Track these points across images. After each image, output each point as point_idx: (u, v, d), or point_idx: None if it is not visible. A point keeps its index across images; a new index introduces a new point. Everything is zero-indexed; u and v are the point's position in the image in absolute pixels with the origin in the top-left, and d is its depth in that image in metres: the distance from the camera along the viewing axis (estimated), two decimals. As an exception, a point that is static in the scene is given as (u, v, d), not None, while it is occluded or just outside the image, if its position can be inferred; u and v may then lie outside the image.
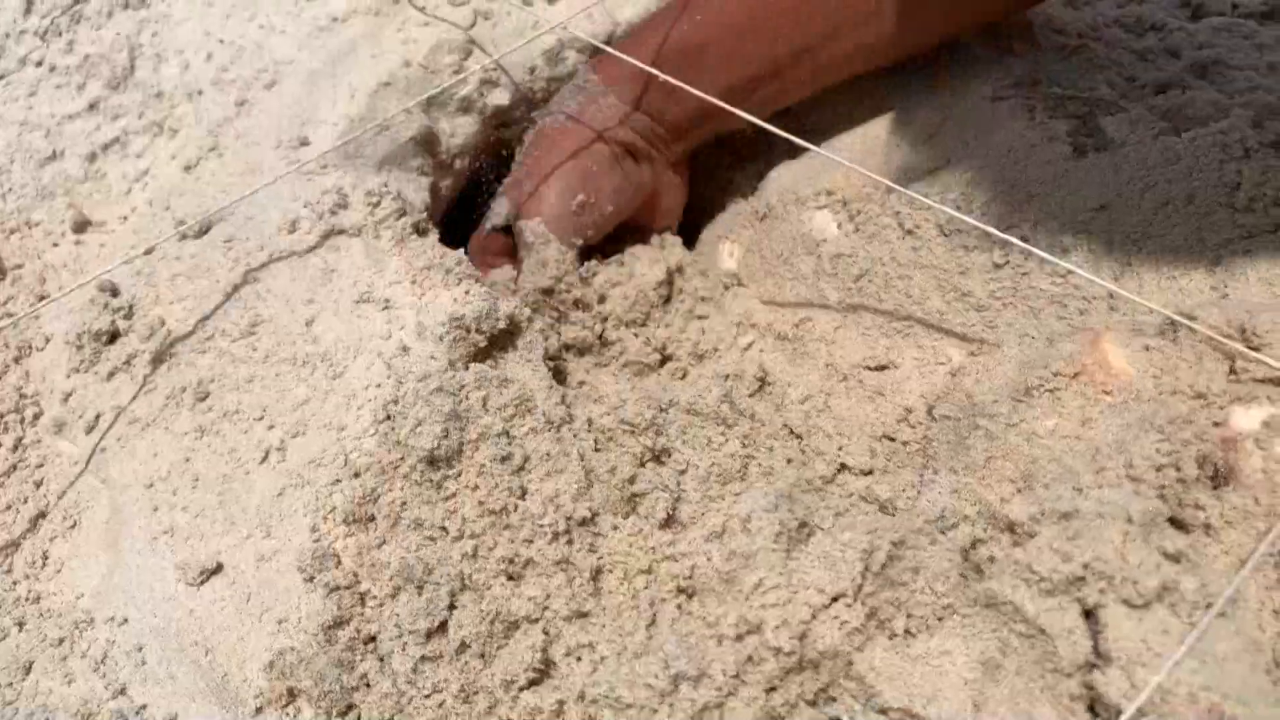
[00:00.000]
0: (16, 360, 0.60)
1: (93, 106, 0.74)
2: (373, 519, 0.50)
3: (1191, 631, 0.36)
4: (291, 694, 0.47)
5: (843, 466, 0.51)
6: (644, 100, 0.71)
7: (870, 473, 0.51)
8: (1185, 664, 0.35)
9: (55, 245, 0.70)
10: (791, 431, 0.52)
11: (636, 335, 0.62)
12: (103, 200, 0.72)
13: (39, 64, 0.75)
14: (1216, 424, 0.44)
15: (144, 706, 0.49)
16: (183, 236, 0.60)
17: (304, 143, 0.66)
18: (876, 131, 0.70)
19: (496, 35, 0.77)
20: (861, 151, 0.70)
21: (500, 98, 0.76)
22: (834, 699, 0.42)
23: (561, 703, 0.43)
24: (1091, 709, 0.38)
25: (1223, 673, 0.35)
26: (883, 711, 0.40)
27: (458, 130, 0.74)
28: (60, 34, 0.75)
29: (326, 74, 0.71)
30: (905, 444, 0.51)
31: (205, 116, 0.70)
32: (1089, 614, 0.38)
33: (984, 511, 0.45)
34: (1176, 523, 0.43)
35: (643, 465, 0.49)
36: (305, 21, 0.75)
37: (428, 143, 0.72)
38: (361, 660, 0.47)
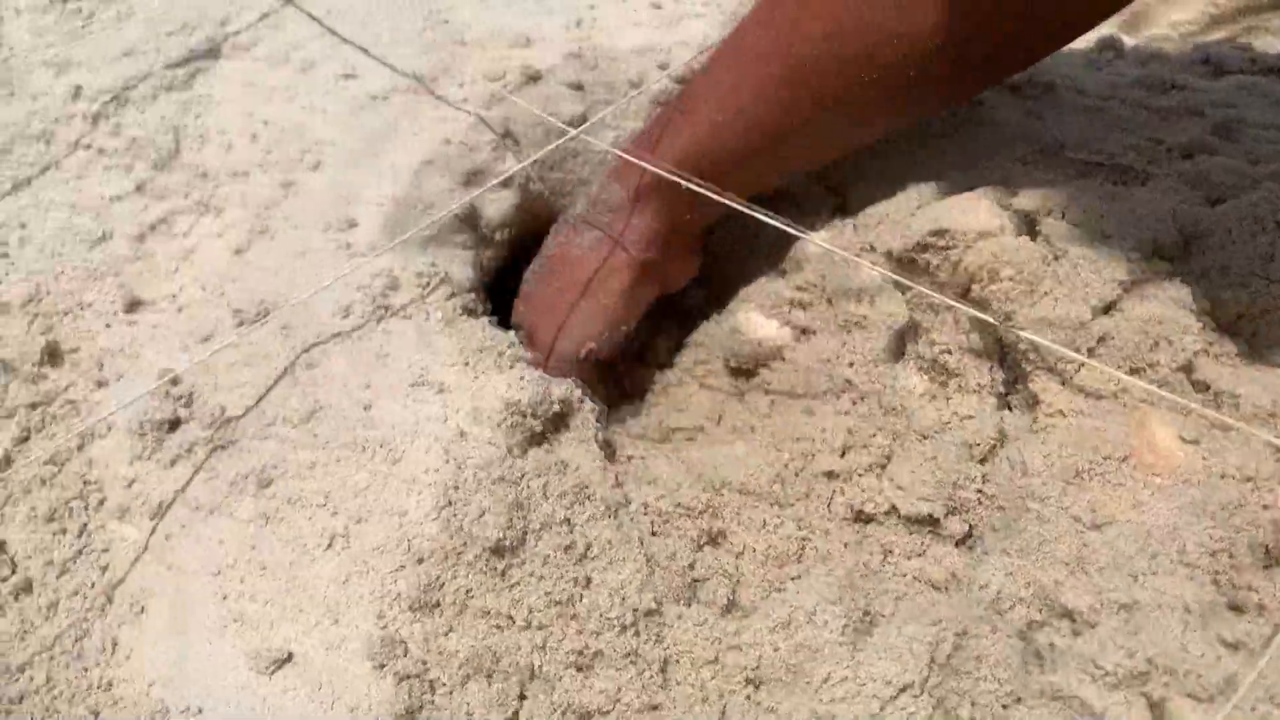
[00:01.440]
0: (79, 448, 0.62)
1: (140, 188, 0.76)
2: (438, 605, 0.51)
3: (1255, 723, 0.37)
4: (365, 782, 0.48)
5: (888, 552, 0.53)
6: (668, 207, 0.71)
7: (922, 554, 0.52)
8: (1251, 756, 0.37)
9: (108, 326, 0.71)
10: (852, 511, 0.53)
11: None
12: (151, 279, 0.74)
13: (87, 147, 0.77)
14: (1266, 506, 0.45)
15: (219, 797, 0.50)
16: (240, 323, 0.62)
17: (351, 224, 0.68)
18: (909, 195, 0.71)
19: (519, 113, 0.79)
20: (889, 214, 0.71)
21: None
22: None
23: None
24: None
25: (1287, 764, 0.36)
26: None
27: (498, 204, 0.76)
28: (107, 118, 0.77)
29: (368, 154, 0.73)
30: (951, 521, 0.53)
31: (252, 199, 0.72)
32: (1154, 706, 0.39)
33: (1038, 594, 0.46)
34: (1233, 606, 0.44)
35: (700, 549, 0.51)
36: (345, 101, 0.77)
37: (470, 218, 0.73)
38: (434, 748, 0.48)
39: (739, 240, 0.86)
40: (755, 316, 0.74)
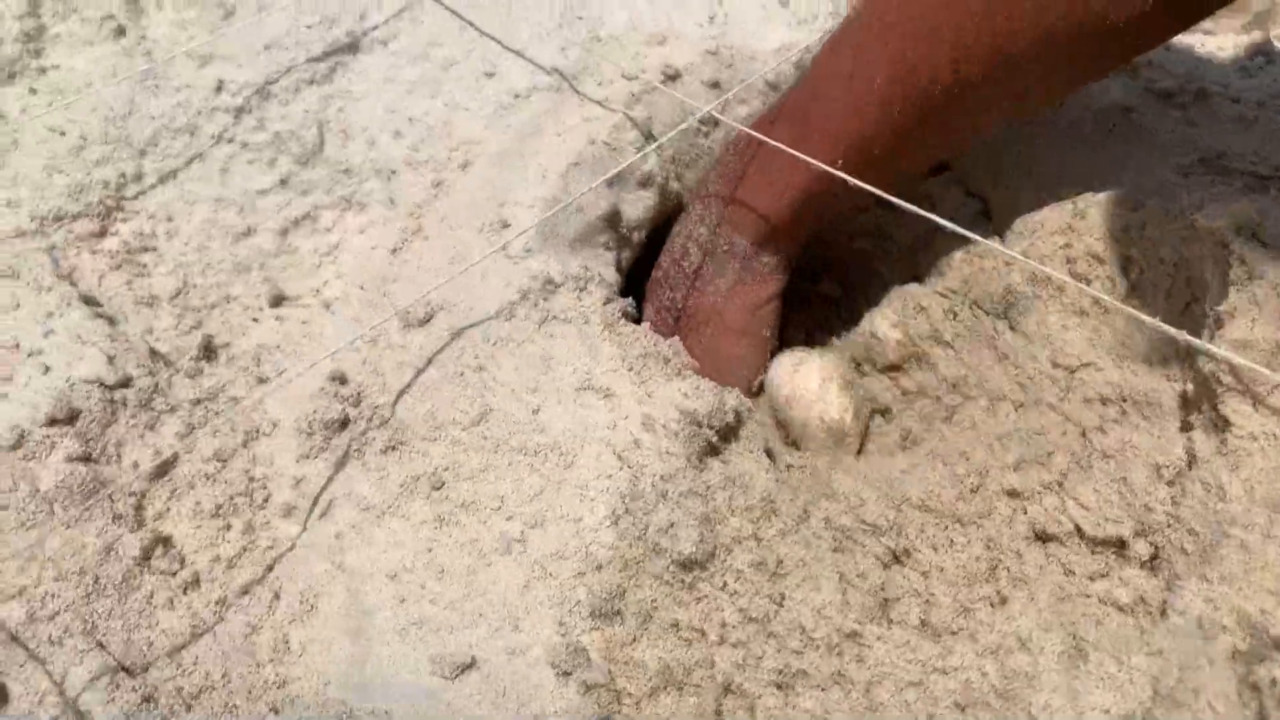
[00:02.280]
0: (244, 444, 0.63)
1: (284, 182, 0.76)
2: (619, 614, 0.51)
3: None
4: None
5: (1070, 572, 0.52)
6: (781, 237, 0.72)
7: (1106, 576, 0.51)
8: None
9: (255, 320, 0.72)
10: (1033, 530, 0.52)
11: None
12: (295, 274, 0.75)
13: (230, 140, 0.77)
14: None
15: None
16: (406, 325, 0.62)
17: (505, 225, 0.68)
18: (1063, 204, 0.70)
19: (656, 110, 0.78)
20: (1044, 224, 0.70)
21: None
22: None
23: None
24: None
25: None
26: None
27: (638, 204, 0.76)
28: (250, 111, 0.78)
29: (515, 153, 0.73)
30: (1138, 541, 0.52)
31: (403, 197, 0.72)
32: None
33: (1244, 623, 0.45)
34: None
35: (887, 568, 0.50)
36: (488, 99, 0.77)
37: (613, 219, 0.73)
38: (624, 759, 0.48)
39: (871, 240, 0.85)
40: (892, 320, 0.73)
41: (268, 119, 0.78)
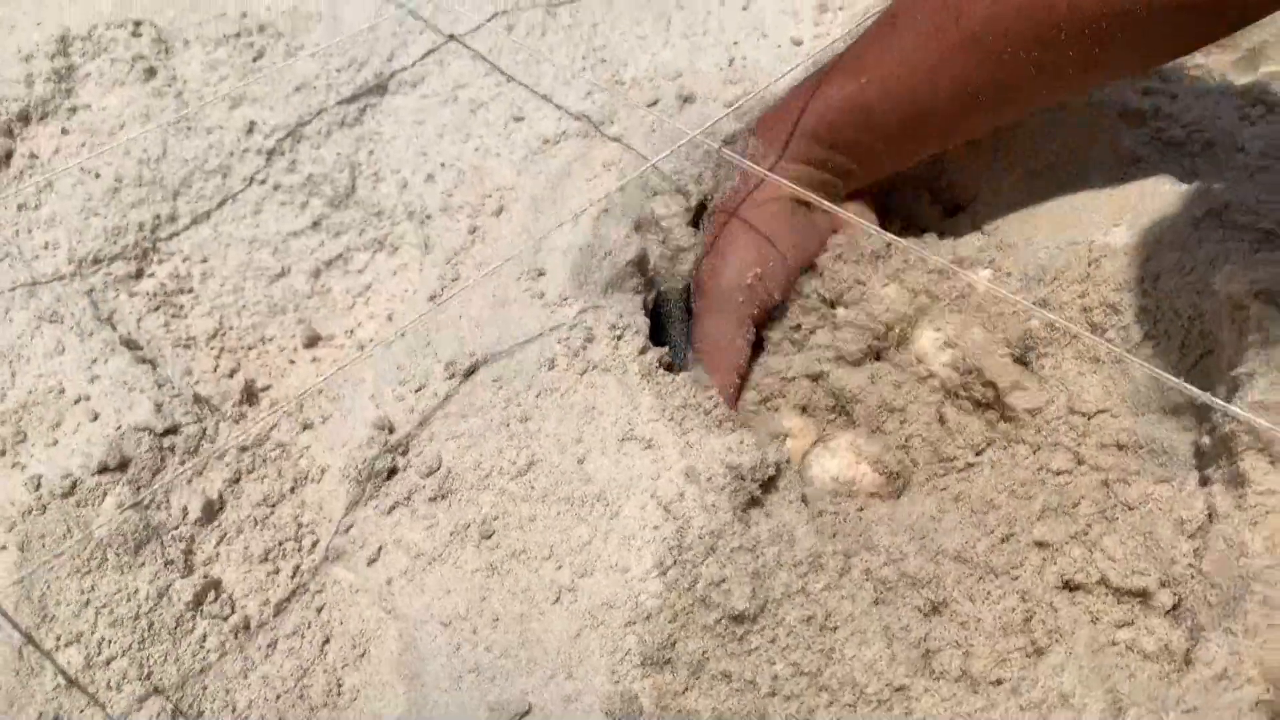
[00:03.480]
0: (293, 490, 0.64)
1: (316, 224, 0.78)
2: (669, 663, 0.54)
3: None
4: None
5: (1095, 620, 0.55)
6: (809, 151, 0.73)
7: (1131, 624, 0.54)
8: None
9: (291, 362, 0.73)
10: (1061, 580, 0.55)
11: None
12: (328, 315, 0.76)
13: (263, 182, 0.79)
14: None
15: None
16: (451, 375, 0.64)
17: (540, 273, 0.70)
18: (1078, 249, 0.72)
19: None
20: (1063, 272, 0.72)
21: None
22: None
23: None
24: None
25: None
26: None
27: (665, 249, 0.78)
28: (283, 153, 0.79)
29: (548, 199, 0.75)
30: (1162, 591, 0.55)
31: (440, 243, 0.74)
32: None
33: (1268, 675, 0.48)
34: None
35: (927, 618, 0.53)
36: (518, 144, 0.79)
37: (641, 263, 0.75)
38: (678, 804, 0.51)
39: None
40: (930, 336, 0.75)
41: (299, 161, 0.79)
